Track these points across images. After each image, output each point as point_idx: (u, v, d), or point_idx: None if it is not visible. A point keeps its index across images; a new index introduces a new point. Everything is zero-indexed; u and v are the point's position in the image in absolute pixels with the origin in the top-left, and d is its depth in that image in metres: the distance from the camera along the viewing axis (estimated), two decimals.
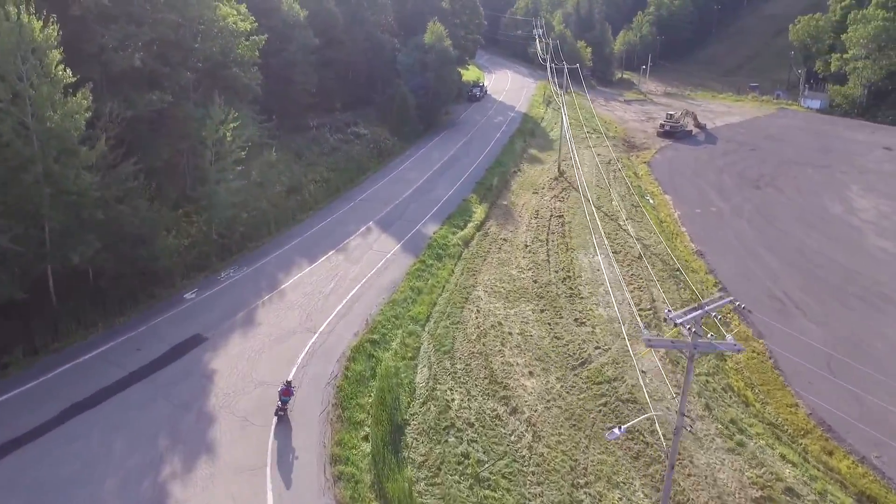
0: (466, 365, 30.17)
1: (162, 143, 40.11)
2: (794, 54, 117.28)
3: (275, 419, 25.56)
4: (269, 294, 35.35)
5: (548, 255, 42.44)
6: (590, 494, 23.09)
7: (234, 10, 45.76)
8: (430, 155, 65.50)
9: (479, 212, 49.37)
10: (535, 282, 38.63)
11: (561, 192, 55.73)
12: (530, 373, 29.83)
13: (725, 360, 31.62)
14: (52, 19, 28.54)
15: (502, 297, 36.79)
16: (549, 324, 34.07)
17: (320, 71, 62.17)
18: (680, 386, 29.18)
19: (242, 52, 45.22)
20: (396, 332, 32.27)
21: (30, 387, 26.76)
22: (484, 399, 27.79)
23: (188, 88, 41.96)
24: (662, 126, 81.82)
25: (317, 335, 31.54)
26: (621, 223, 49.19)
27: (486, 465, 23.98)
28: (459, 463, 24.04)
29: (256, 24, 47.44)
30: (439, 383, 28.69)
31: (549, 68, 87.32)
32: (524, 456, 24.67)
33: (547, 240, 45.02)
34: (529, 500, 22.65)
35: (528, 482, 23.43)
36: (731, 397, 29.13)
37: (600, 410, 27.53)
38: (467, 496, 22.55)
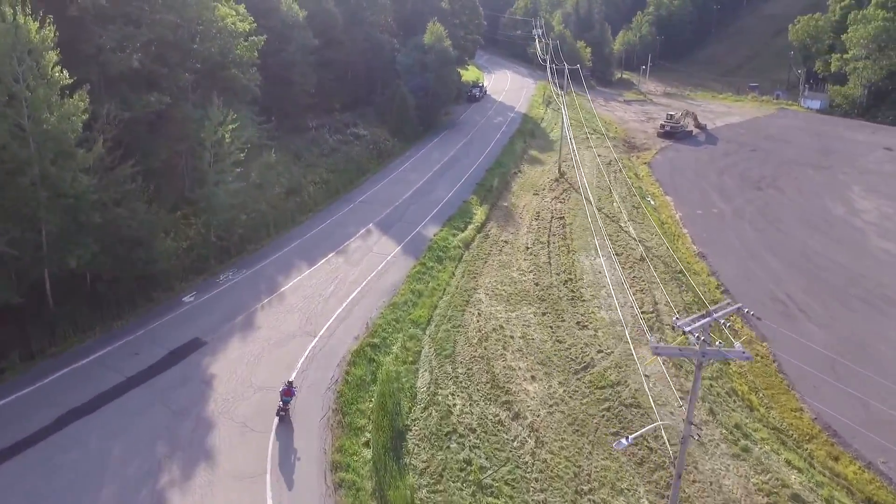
0: (468, 369, 29.88)
1: (160, 145, 39.79)
2: (794, 54, 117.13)
3: (276, 420, 25.36)
4: (269, 297, 35.03)
5: (549, 258, 42.16)
6: (594, 501, 22.80)
7: (233, 11, 45.43)
8: (429, 156, 65.21)
9: (479, 213, 49.08)
10: (537, 284, 38.34)
11: (562, 194, 55.46)
12: (532, 377, 29.54)
13: (729, 364, 31.35)
14: (48, 20, 28.21)
15: (503, 299, 36.50)
16: (551, 327, 33.78)
17: (319, 71, 61.84)
18: (684, 390, 28.94)
19: (241, 53, 44.89)
20: (397, 336, 31.97)
21: (26, 392, 26.42)
22: (486, 404, 27.50)
23: (187, 89, 41.64)
24: (663, 126, 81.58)
25: (317, 339, 31.23)
26: (622, 225, 48.92)
27: (489, 472, 23.69)
28: (462, 469, 23.74)
29: (255, 24, 47.12)
30: (441, 388, 28.39)
31: (548, 68, 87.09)
32: (527, 462, 24.38)
33: (548, 242, 44.75)
34: None
35: (532, 489, 23.14)
36: (735, 402, 28.87)
37: (603, 415, 27.24)
38: None
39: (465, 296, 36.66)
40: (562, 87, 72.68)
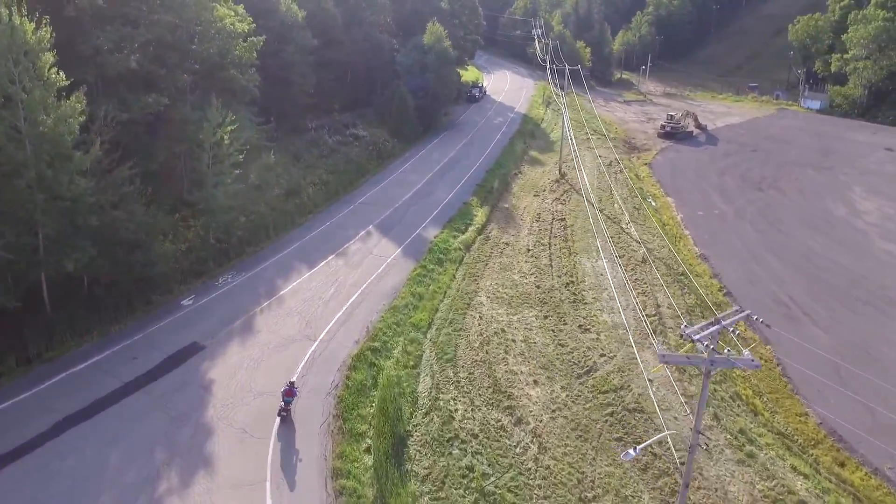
0: (469, 373, 29.58)
1: (158, 147, 39.49)
2: (794, 54, 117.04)
3: (276, 423, 25.13)
4: (268, 300, 34.72)
5: (550, 260, 41.88)
6: None
7: (232, 11, 45.09)
8: (429, 157, 64.91)
9: (480, 215, 48.78)
10: (538, 287, 38.06)
11: (562, 195, 55.18)
12: (535, 381, 29.26)
13: (733, 368, 31.06)
14: (45, 21, 27.88)
15: (505, 302, 36.21)
16: (553, 330, 33.50)
17: (319, 72, 61.51)
18: (688, 394, 28.67)
19: (240, 54, 44.55)
20: (398, 340, 31.68)
21: (23, 398, 26.09)
22: (488, 409, 27.21)
23: (185, 90, 41.31)
24: (663, 127, 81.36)
25: (317, 343, 30.92)
26: (624, 226, 48.65)
27: (492, 479, 23.39)
28: (464, 476, 23.44)
29: (254, 24, 46.77)
30: (442, 393, 28.09)
31: (548, 69, 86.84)
32: (530, 468, 24.09)
33: (549, 243, 44.46)
34: None
35: (535, 496, 22.84)
36: (739, 406, 28.60)
37: (607, 420, 26.96)
38: None
39: (466, 299, 36.37)
40: (562, 88, 72.40)
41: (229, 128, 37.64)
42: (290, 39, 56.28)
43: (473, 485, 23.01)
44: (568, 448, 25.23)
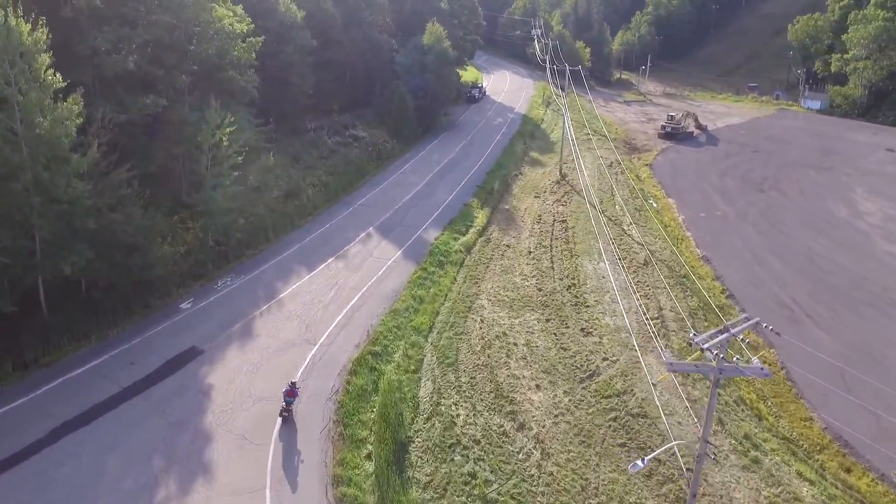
0: (471, 378, 29.29)
1: (156, 149, 39.16)
2: (793, 54, 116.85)
3: (276, 426, 24.93)
4: (268, 304, 34.41)
5: (552, 262, 41.59)
6: None
7: (231, 12, 44.76)
8: (429, 158, 64.58)
9: (480, 217, 48.48)
10: (540, 290, 37.77)
11: (563, 196, 54.89)
12: (537, 386, 28.97)
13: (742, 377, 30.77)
14: (41, 22, 27.54)
15: (506, 305, 35.92)
16: (555, 334, 33.22)
17: (318, 72, 61.18)
18: (692, 398, 28.40)
19: (239, 55, 44.21)
20: (398, 344, 31.38)
21: (19, 403, 25.79)
22: (490, 414, 26.92)
23: (183, 92, 40.96)
24: (664, 127, 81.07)
25: (317, 347, 30.62)
26: (625, 228, 48.38)
27: (494, 486, 23.11)
28: (466, 483, 23.16)
29: (253, 25, 46.44)
30: (443, 398, 27.80)
31: (548, 69, 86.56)
32: (533, 475, 23.81)
33: (550, 246, 44.18)
34: None
35: (538, 503, 22.56)
36: (743, 410, 28.32)
37: (610, 426, 26.68)
38: None
39: (467, 302, 36.08)
40: (562, 88, 72.10)
41: (228, 129, 37.34)
42: (289, 40, 55.95)
43: (476, 492, 22.73)
44: (571, 454, 24.95)
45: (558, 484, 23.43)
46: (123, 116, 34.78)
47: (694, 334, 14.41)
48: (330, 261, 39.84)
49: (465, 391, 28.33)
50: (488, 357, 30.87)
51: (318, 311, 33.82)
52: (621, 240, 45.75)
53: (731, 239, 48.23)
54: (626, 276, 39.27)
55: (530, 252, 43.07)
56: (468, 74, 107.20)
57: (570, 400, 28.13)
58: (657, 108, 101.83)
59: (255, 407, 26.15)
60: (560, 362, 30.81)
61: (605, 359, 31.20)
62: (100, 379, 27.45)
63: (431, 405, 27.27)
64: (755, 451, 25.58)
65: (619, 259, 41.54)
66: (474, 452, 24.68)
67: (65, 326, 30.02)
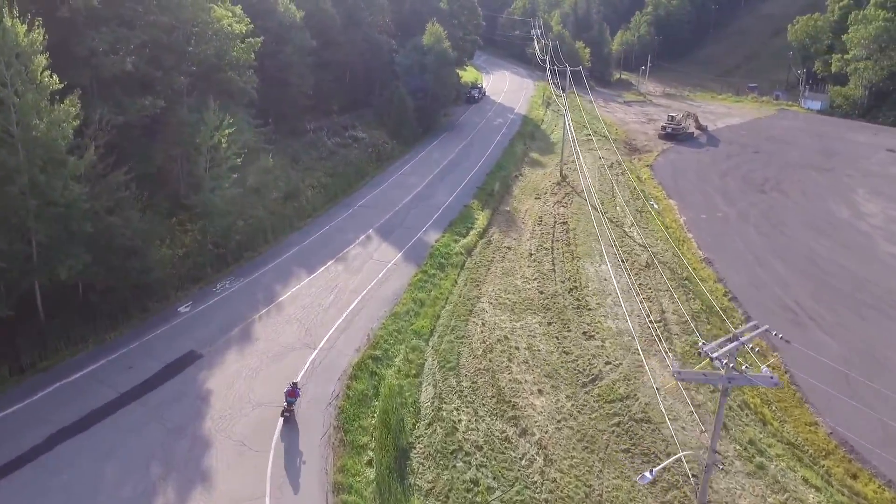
0: (473, 382, 29.00)
1: (155, 150, 38.86)
2: (793, 55, 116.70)
3: (277, 431, 24.68)
4: (267, 307, 34.08)
5: (553, 264, 41.30)
6: None
7: (230, 12, 44.42)
8: (429, 159, 64.27)
9: (481, 218, 48.18)
10: (541, 292, 37.48)
11: (564, 198, 54.60)
12: (539, 391, 28.68)
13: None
14: (37, 23, 27.19)
15: (508, 308, 35.63)
16: (557, 337, 32.93)
17: (317, 73, 60.84)
18: (695, 402, 28.11)
19: (238, 55, 43.87)
20: (399, 348, 31.07)
21: (15, 409, 25.45)
22: (492, 420, 26.62)
23: (182, 93, 40.62)
24: (664, 128, 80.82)
25: (316, 351, 30.31)
26: (626, 229, 48.11)
27: (497, 493, 22.82)
28: (468, 490, 22.86)
29: (252, 25, 46.10)
30: (445, 403, 27.50)
31: (548, 69, 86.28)
32: (536, 482, 23.52)
33: (552, 248, 43.89)
34: None
35: None
36: (747, 415, 28.04)
37: (613, 431, 26.40)
38: None
39: (468, 305, 35.78)
40: (562, 89, 71.81)
41: (227, 131, 37.02)
42: (288, 40, 55.63)
43: (478, 499, 22.45)
44: (574, 460, 24.67)
45: (562, 491, 23.15)
46: (121, 118, 34.47)
47: (703, 343, 14.13)
48: (329, 263, 39.53)
49: (466, 396, 28.04)
50: (490, 361, 30.58)
51: (318, 314, 33.51)
52: (622, 241, 45.48)
53: (732, 240, 47.97)
54: (628, 278, 38.97)
55: (531, 254, 42.78)
56: (468, 75, 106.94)
57: (572, 405, 27.84)
58: (657, 108, 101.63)
59: (254, 413, 25.83)
60: (562, 366, 30.53)
61: (607, 363, 30.91)
62: (97, 384, 27.12)
63: (433, 410, 26.98)
64: (760, 456, 25.31)
65: (622, 261, 41.24)
66: (476, 459, 24.39)
67: (62, 331, 29.68)
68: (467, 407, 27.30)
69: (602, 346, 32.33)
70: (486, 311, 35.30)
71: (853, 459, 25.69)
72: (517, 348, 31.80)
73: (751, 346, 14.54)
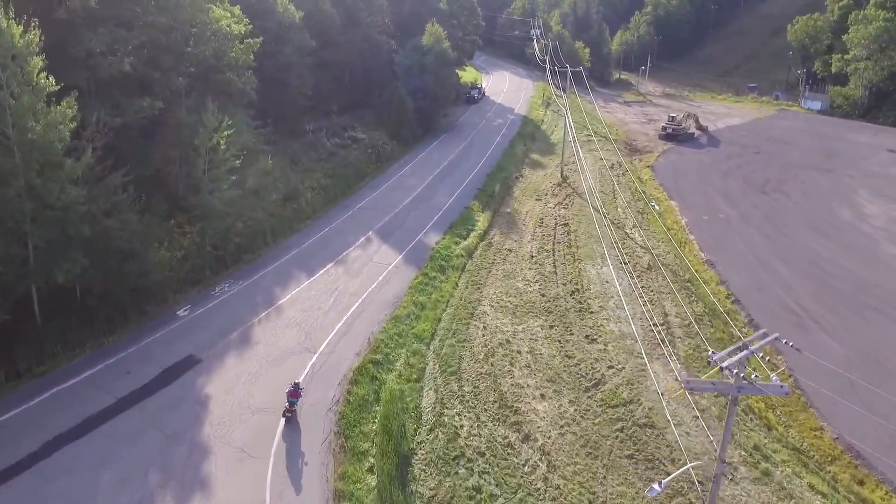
0: (474, 387, 28.69)
1: (153, 152, 38.51)
2: (793, 55, 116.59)
3: (277, 436, 24.41)
4: (266, 310, 33.76)
5: (554, 267, 41.01)
6: None
7: (228, 13, 44.06)
8: (429, 160, 63.96)
9: (481, 220, 47.88)
10: (543, 295, 37.19)
11: (565, 199, 54.32)
12: (542, 395, 28.38)
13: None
14: (34, 24, 26.85)
15: (509, 312, 35.33)
16: (560, 341, 32.63)
17: (316, 73, 60.53)
18: (700, 407, 27.83)
19: (236, 56, 43.53)
20: (400, 352, 30.76)
21: (11, 416, 25.08)
22: (494, 425, 26.32)
23: (180, 94, 40.30)
24: (664, 129, 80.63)
25: (316, 356, 29.99)
26: (628, 231, 47.85)
27: (500, 501, 22.50)
28: (471, 498, 22.55)
29: (251, 26, 45.76)
30: (447, 408, 27.20)
31: (548, 69, 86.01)
32: (539, 489, 23.22)
33: (553, 250, 43.60)
34: None
35: None
36: (752, 420, 27.78)
37: (617, 436, 26.11)
38: None
39: (469, 308, 35.48)
40: (562, 89, 71.53)
41: (226, 132, 36.71)
42: (287, 40, 55.32)
43: None
44: (578, 466, 24.37)
45: (565, 498, 22.85)
46: (119, 119, 34.17)
47: (712, 352, 13.87)
48: (329, 266, 39.22)
49: (468, 401, 27.74)
50: (491, 365, 30.29)
51: (318, 318, 33.20)
52: (624, 243, 45.20)
53: (734, 242, 47.73)
54: (631, 281, 38.68)
55: (532, 256, 42.50)
56: (467, 75, 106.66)
57: (575, 410, 27.55)
58: (657, 108, 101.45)
59: (253, 418, 25.51)
60: (565, 370, 30.24)
61: (610, 367, 30.63)
62: (95, 389, 26.77)
63: (434, 415, 26.68)
64: (765, 462, 25.03)
65: (624, 263, 40.96)
66: (479, 465, 24.09)
67: (59, 335, 29.31)
68: (469, 412, 27.01)
69: (605, 349, 32.05)
70: (488, 314, 35.01)
71: (859, 465, 25.44)
72: (519, 352, 31.51)
73: (760, 354, 14.26)
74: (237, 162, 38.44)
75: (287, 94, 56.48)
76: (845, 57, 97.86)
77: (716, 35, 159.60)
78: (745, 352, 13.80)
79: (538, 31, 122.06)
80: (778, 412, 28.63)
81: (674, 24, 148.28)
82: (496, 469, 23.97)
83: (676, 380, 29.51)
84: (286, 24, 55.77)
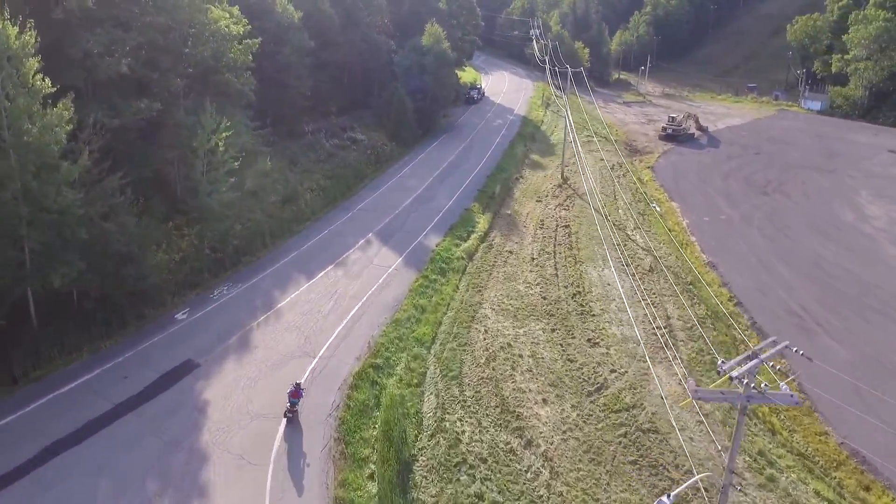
0: (476, 392, 28.41)
1: (151, 154, 38.21)
2: (792, 55, 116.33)
3: (279, 433, 24.38)
4: (265, 314, 33.46)
5: (556, 269, 40.73)
6: None
7: (227, 13, 43.72)
8: (429, 161, 63.62)
9: (482, 222, 47.58)
10: (544, 298, 36.91)
11: (565, 200, 54.04)
12: (544, 400, 28.10)
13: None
14: (29, 24, 26.52)
15: (510, 315, 35.05)
16: (561, 345, 32.36)
17: (315, 74, 60.23)
18: (704, 411, 27.56)
19: (235, 57, 43.20)
20: (401, 356, 30.46)
21: (6, 422, 24.80)
22: (496, 431, 26.03)
23: (178, 95, 39.97)
24: (664, 129, 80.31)
25: (316, 360, 29.70)
26: (629, 233, 47.58)
27: None
28: None
29: (249, 26, 45.43)
30: (448, 413, 26.91)
31: (547, 70, 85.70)
32: (542, 496, 22.94)
33: (554, 252, 43.32)
34: None
35: None
36: (756, 425, 27.51)
37: (620, 442, 25.83)
38: None
39: (470, 311, 35.18)
40: (562, 89, 71.22)
41: (224, 134, 36.36)
42: (286, 41, 54.99)
43: None
44: (581, 473, 24.10)
45: None
46: (116, 121, 33.85)
47: (722, 361, 13.58)
48: (329, 268, 38.91)
49: (469, 406, 27.45)
50: (493, 370, 30.00)
51: (318, 321, 32.90)
52: (625, 245, 44.93)
53: (736, 244, 47.47)
54: (635, 284, 38.40)
55: (533, 258, 42.21)
56: (466, 75, 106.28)
57: (578, 415, 27.28)
58: (657, 108, 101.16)
59: (252, 424, 25.21)
60: (567, 375, 29.96)
61: (612, 371, 30.36)
62: (92, 395, 26.47)
63: (435, 421, 26.39)
64: (770, 468, 24.77)
65: (626, 265, 40.69)
66: (481, 472, 23.81)
67: (55, 339, 29.04)
68: (471, 417, 26.72)
69: (607, 353, 31.77)
70: (489, 317, 34.72)
71: (865, 470, 25.17)
72: (521, 356, 31.23)
73: (775, 366, 13.99)
74: (236, 163, 38.12)
75: (286, 94, 56.17)
76: (845, 57, 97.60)
77: (715, 35, 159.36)
78: (754, 361, 13.53)
79: (537, 31, 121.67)
80: (782, 416, 28.35)
81: (673, 24, 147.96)
82: (498, 476, 23.70)
83: (679, 383, 29.27)
84: (285, 24, 55.45)
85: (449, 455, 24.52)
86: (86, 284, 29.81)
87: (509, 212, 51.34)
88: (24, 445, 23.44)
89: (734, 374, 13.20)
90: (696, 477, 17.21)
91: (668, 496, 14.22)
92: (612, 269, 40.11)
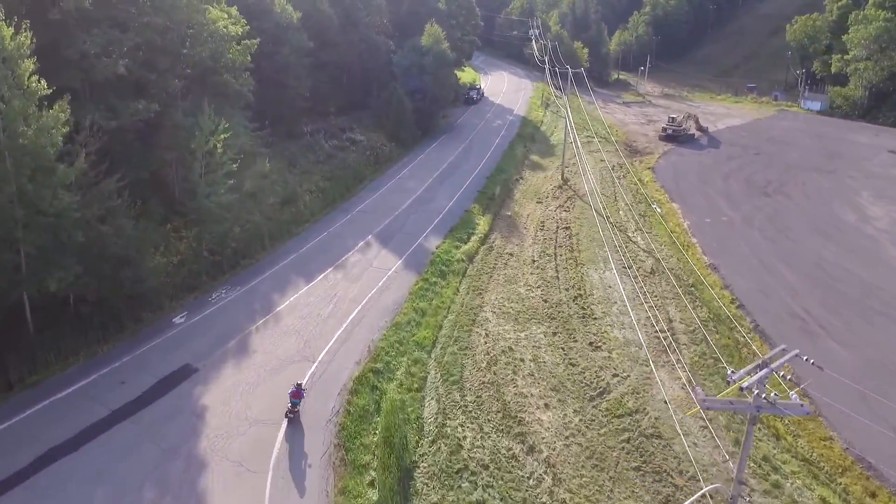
0: (477, 397, 28.12)
1: (148, 156, 37.92)
2: (792, 55, 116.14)
3: (277, 444, 24.06)
4: (264, 318, 33.14)
5: (556, 271, 40.46)
6: None
7: (225, 14, 43.40)
8: (428, 162, 63.32)
9: (482, 224, 47.28)
10: (545, 301, 36.63)
11: (566, 202, 53.77)
12: (546, 405, 27.82)
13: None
14: (25, 25, 26.18)
15: (511, 318, 34.77)
16: (563, 348, 32.08)
17: (314, 74, 59.90)
18: (708, 416, 27.29)
19: (234, 57, 42.87)
20: (401, 360, 30.17)
21: (2, 428, 24.49)
22: (498, 436, 25.76)
23: (176, 96, 39.67)
24: (664, 129, 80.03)
25: (316, 364, 29.40)
26: (630, 235, 47.32)
27: None
28: None
29: (248, 27, 45.10)
30: (449, 418, 26.63)
31: (547, 70, 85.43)
32: (545, 503, 22.65)
33: (555, 254, 43.04)
34: None
35: None
36: (760, 430, 27.20)
37: (623, 447, 25.56)
38: None
39: (471, 314, 34.90)
40: (562, 90, 70.94)
41: (222, 135, 36.03)
42: (285, 41, 54.68)
43: None
44: (584, 479, 23.83)
45: None
46: (114, 123, 33.58)
47: (731, 371, 13.31)
48: (328, 271, 38.60)
49: (471, 411, 27.17)
50: (494, 374, 29.72)
51: (317, 325, 32.60)
52: (626, 247, 44.67)
53: (738, 245, 47.21)
54: (636, 286, 38.14)
55: (534, 261, 41.93)
56: (466, 75, 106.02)
57: (580, 420, 27.01)
58: (656, 109, 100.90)
59: (251, 430, 24.91)
60: (569, 379, 29.68)
61: (615, 375, 30.08)
62: (88, 401, 26.14)
63: (436, 427, 26.11)
64: (775, 474, 24.51)
65: (628, 268, 40.42)
66: (482, 478, 23.53)
67: (52, 344, 28.68)
68: (472, 423, 26.44)
69: (609, 357, 31.50)
70: (490, 320, 34.44)
71: (871, 476, 24.91)
72: (522, 360, 30.95)
73: (784, 375, 13.73)
74: (234, 165, 37.78)
75: (285, 95, 55.87)
76: (845, 57, 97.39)
77: (714, 35, 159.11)
78: (765, 370, 13.26)
79: (537, 32, 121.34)
80: (786, 421, 28.06)
81: (672, 25, 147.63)
82: (500, 482, 23.42)
83: (683, 387, 29.01)
84: (284, 24, 55.14)
85: (450, 461, 24.24)
86: (82, 288, 29.50)
87: (509, 213, 51.06)
88: (19, 452, 23.13)
89: (744, 384, 12.95)
90: (705, 489, 16.91)
91: None
92: (614, 271, 39.85)
